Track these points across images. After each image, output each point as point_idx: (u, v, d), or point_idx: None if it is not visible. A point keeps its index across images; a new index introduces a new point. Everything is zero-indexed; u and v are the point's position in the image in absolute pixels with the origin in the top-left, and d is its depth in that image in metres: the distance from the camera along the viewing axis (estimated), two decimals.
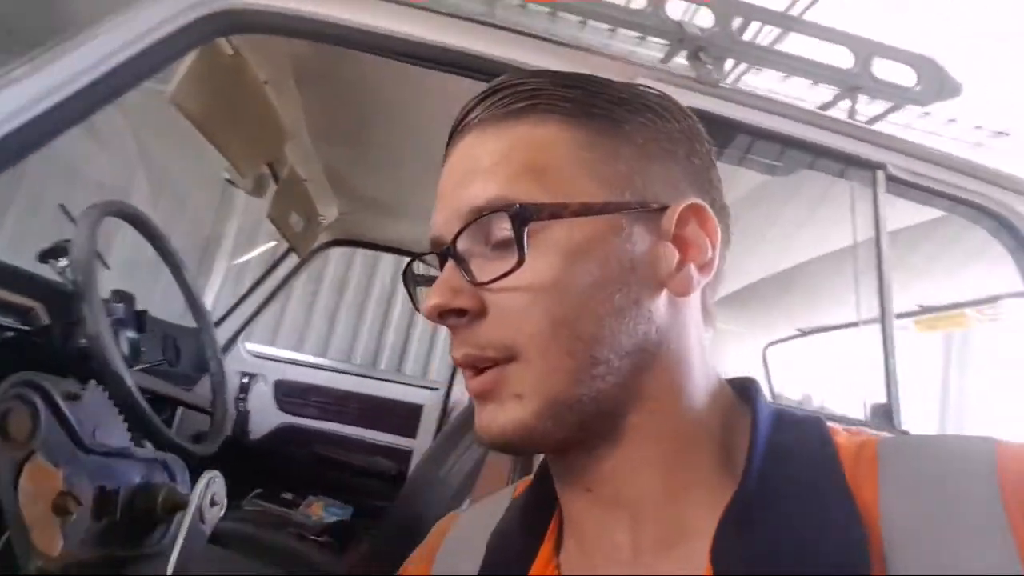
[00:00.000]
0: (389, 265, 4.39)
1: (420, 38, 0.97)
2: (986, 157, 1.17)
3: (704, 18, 1.26)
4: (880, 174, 1.20)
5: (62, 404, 0.64)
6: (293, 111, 1.48)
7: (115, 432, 0.72)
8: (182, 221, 3.83)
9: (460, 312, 0.39)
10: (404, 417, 2.33)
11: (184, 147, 3.76)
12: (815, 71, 1.38)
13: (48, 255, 1.22)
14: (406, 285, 0.47)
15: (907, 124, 3.23)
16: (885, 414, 1.65)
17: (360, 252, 4.25)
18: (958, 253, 2.07)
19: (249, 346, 2.36)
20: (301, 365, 2.49)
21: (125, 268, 1.81)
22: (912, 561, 0.32)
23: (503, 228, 0.38)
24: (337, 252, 3.70)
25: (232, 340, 2.20)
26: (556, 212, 0.38)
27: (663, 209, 0.40)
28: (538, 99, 0.40)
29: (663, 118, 0.42)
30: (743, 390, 0.43)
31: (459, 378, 2.41)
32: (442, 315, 0.39)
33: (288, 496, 2.07)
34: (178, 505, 0.68)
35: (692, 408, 0.40)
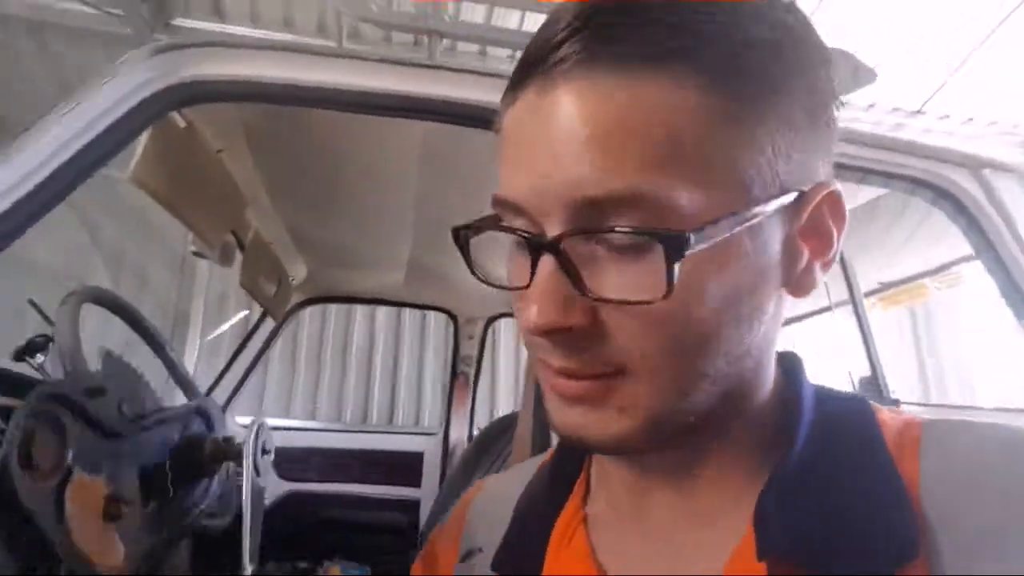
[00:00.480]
0: (364, 317, 4.38)
1: (363, 86, 1.00)
2: (908, 136, 1.24)
3: None
4: None
5: (88, 406, 0.62)
6: (250, 176, 1.50)
7: (141, 396, 0.69)
8: (145, 303, 3.77)
9: (571, 330, 0.33)
10: (405, 467, 2.31)
11: (137, 229, 3.76)
12: None
13: (24, 352, 1.21)
14: (459, 248, 0.39)
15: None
16: (873, 385, 1.69)
17: (332, 308, 4.24)
18: (905, 227, 2.15)
19: (238, 419, 2.32)
20: (293, 430, 2.46)
21: (93, 356, 1.78)
22: (951, 543, 0.31)
23: (632, 230, 0.31)
24: (310, 312, 3.68)
25: (224, 409, 2.17)
26: (711, 234, 0.31)
27: (800, 197, 0.34)
28: (678, 38, 0.31)
29: (813, 67, 0.34)
30: (785, 365, 0.42)
31: (455, 420, 2.41)
32: (554, 333, 0.33)
33: (303, 565, 2.03)
34: (225, 454, 0.66)
35: (762, 394, 0.38)
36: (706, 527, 0.37)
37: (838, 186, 0.36)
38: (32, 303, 1.28)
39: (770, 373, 0.39)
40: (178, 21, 3.03)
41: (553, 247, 0.32)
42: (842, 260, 1.16)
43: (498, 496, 0.50)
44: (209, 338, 3.40)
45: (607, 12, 0.31)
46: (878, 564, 0.31)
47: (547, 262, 0.33)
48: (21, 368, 1.18)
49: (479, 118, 0.99)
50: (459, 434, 2.36)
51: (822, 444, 0.37)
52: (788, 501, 0.34)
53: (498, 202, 0.35)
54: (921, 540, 0.31)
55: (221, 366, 2.28)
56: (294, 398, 4.20)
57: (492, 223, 0.37)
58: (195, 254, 1.49)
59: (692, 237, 0.30)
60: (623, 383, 0.34)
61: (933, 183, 1.10)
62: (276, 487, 2.16)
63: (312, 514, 2.14)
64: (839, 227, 0.36)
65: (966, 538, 0.31)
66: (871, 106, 3.65)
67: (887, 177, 1.15)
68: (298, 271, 2.19)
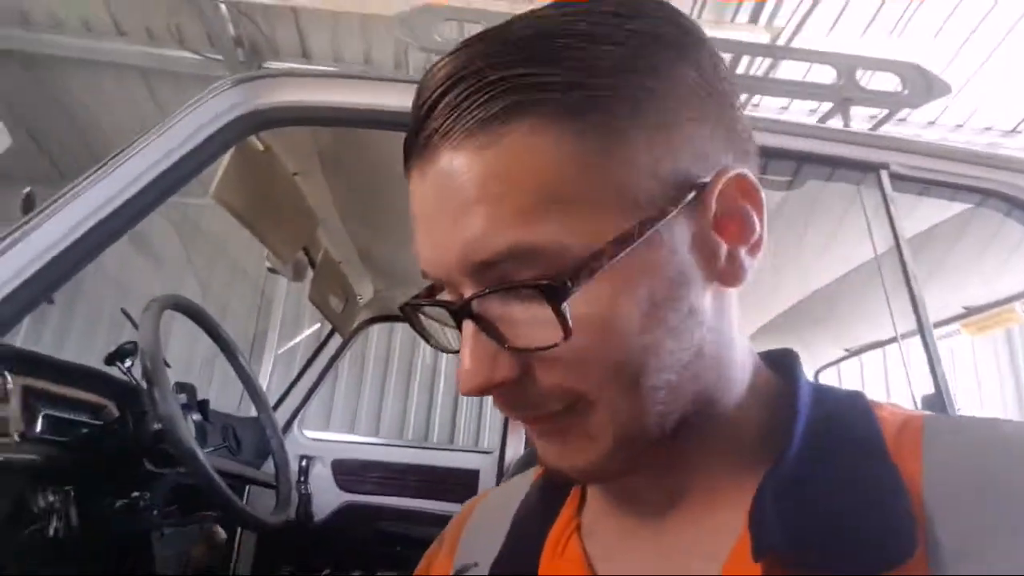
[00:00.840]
0: None
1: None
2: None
3: None
4: (884, 174, 1.24)
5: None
6: (322, 197, 1.59)
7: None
8: (227, 320, 4.01)
9: (501, 385, 0.34)
10: (462, 484, 2.33)
11: (223, 253, 4.02)
12: (804, 91, 1.45)
13: (114, 357, 1.33)
14: (411, 324, 0.41)
15: (915, 136, 3.28)
16: (937, 403, 1.61)
17: (400, 327, 4.36)
18: (994, 249, 2.04)
19: (307, 432, 2.42)
20: (355, 444, 2.54)
21: (180, 365, 1.92)
22: (953, 541, 0.31)
23: (536, 272, 0.32)
24: (377, 330, 3.81)
25: (288, 424, 2.27)
26: (594, 267, 0.31)
27: (700, 191, 0.33)
28: (519, 92, 0.31)
29: (683, 62, 0.34)
30: (782, 364, 0.41)
31: (511, 439, 2.42)
32: (485, 391, 0.34)
33: (357, 574, 2.08)
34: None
35: (736, 393, 0.38)
36: (702, 529, 0.37)
37: (743, 168, 0.34)
38: (124, 312, 1.40)
39: (739, 370, 0.38)
40: (269, 64, 3.28)
41: (466, 311, 0.33)
42: (905, 276, 1.13)
43: (493, 510, 0.49)
44: (281, 351, 3.57)
45: (458, 81, 0.32)
46: (874, 563, 0.31)
47: (468, 325, 0.33)
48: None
49: None
50: (515, 452, 2.37)
51: (818, 442, 0.36)
52: (784, 500, 0.34)
53: (424, 275, 0.37)
54: (922, 538, 0.31)
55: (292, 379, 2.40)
56: (359, 414, 4.33)
57: (427, 296, 0.39)
58: (270, 270, 1.59)
59: (569, 283, 0.30)
60: (582, 413, 0.34)
61: (1004, 192, 1.06)
62: (335, 497, 2.22)
63: (368, 526, 2.19)
64: (756, 208, 0.35)
65: (969, 536, 0.31)
66: (959, 126, 3.51)
67: (957, 189, 1.12)
68: (365, 290, 2.29)
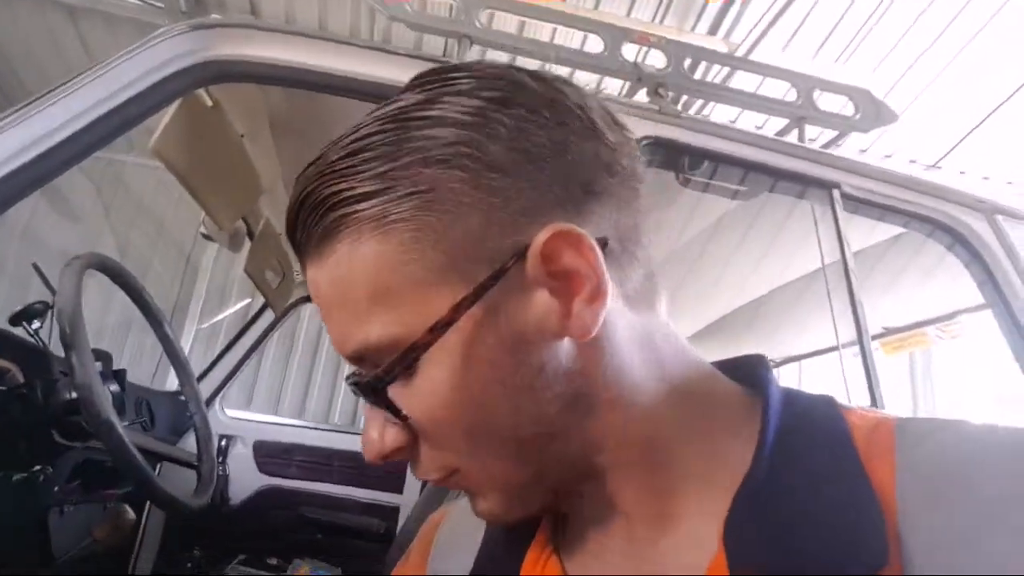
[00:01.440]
0: None
1: (388, 79, 1.01)
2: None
3: (656, 58, 1.35)
4: (836, 192, 1.27)
5: None
6: (269, 164, 1.51)
7: None
8: (148, 286, 3.79)
9: (397, 454, 0.37)
10: (389, 473, 2.28)
11: (146, 213, 3.79)
12: (764, 104, 1.48)
13: (20, 317, 1.21)
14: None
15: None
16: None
17: None
18: (917, 270, 2.16)
19: (228, 411, 2.31)
20: (278, 425, 2.43)
21: (90, 331, 1.78)
22: (928, 545, 0.31)
23: (388, 359, 0.34)
24: (310, 309, 3.68)
25: (209, 401, 2.15)
26: (413, 355, 0.34)
27: (519, 258, 0.34)
28: (340, 208, 0.34)
29: (471, 143, 0.34)
30: (747, 372, 0.41)
31: None
32: (383, 457, 0.37)
33: (273, 561, 1.99)
34: None
35: (660, 414, 0.37)
36: (679, 546, 0.37)
37: (563, 223, 0.34)
38: (36, 268, 1.27)
39: (657, 392, 0.38)
40: (214, 17, 3.09)
41: (353, 387, 0.37)
42: (849, 291, 1.16)
43: (462, 527, 0.48)
44: (205, 326, 3.39)
45: (305, 198, 0.35)
46: (846, 572, 0.31)
47: (365, 401, 0.37)
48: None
49: None
50: None
51: (788, 452, 0.36)
52: (755, 514, 0.34)
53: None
54: (893, 545, 0.31)
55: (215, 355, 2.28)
56: (283, 396, 4.18)
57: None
58: (204, 236, 1.49)
59: (385, 377, 0.34)
60: (465, 476, 0.38)
61: (949, 226, 1.11)
62: (255, 480, 2.13)
63: (288, 511, 2.10)
64: (586, 256, 0.34)
65: (942, 538, 0.31)
66: (888, 156, 3.70)
67: (907, 216, 1.16)
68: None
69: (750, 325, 2.78)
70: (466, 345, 0.34)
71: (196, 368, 2.20)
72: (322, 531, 2.10)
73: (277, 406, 4.11)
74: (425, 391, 0.35)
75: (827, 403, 0.39)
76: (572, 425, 0.36)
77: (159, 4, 2.97)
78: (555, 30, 2.50)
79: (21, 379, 1.14)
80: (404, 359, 0.34)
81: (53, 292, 1.10)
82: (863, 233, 1.71)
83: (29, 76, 3.54)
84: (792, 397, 0.39)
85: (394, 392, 0.35)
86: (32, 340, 1.19)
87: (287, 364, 4.22)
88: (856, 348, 1.63)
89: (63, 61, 3.43)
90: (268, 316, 2.28)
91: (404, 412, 0.35)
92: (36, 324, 1.22)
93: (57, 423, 1.03)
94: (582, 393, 0.36)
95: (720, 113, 3.14)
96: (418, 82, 0.37)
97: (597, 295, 0.34)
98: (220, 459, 2.16)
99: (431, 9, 1.45)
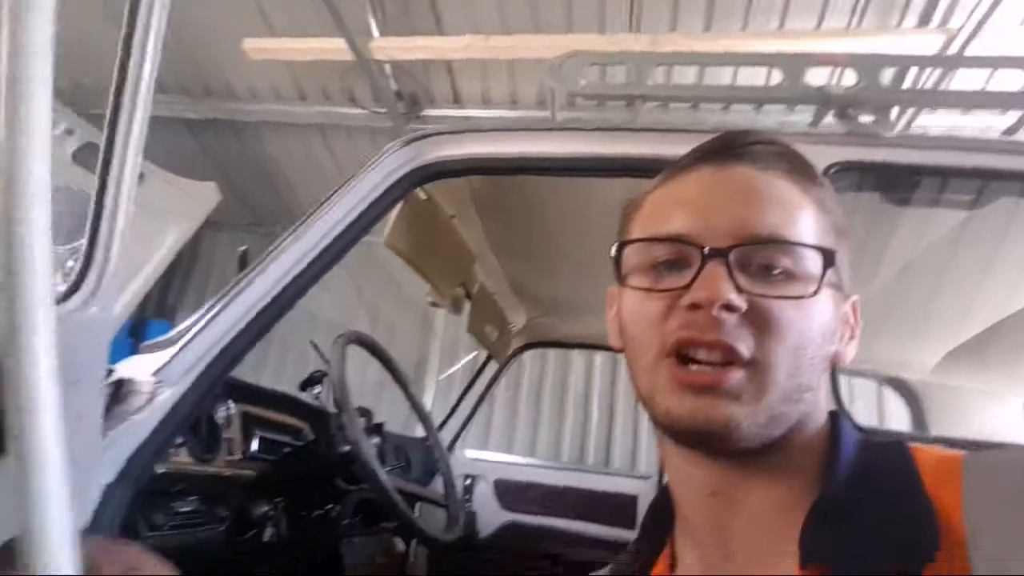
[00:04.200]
0: (580, 362, 4.53)
1: (575, 153, 1.13)
2: None
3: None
4: None
5: None
6: (477, 236, 1.72)
7: None
8: (394, 347, 4.37)
9: (736, 310, 0.44)
10: (620, 508, 2.34)
11: (388, 287, 4.39)
12: (988, 100, 1.33)
13: (307, 384, 1.53)
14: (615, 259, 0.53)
15: None
16: None
17: (552, 353, 4.46)
18: None
19: (467, 452, 2.57)
20: (515, 465, 2.64)
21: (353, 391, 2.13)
22: (995, 555, 0.35)
23: (789, 262, 0.45)
24: (531, 356, 3.92)
25: (451, 445, 2.43)
26: (840, 272, 0.48)
27: (844, 297, 0.50)
28: (806, 174, 0.49)
29: (840, 212, 0.51)
30: (832, 414, 0.51)
31: None
32: (727, 307, 0.44)
33: None
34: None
35: (810, 439, 0.48)
36: (765, 555, 0.45)
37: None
38: (313, 345, 1.60)
39: (818, 422, 0.49)
40: (426, 111, 3.59)
41: (723, 254, 0.44)
42: None
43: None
44: (442, 378, 3.80)
45: (743, 135, 0.51)
46: (899, 562, 0.38)
47: (715, 265, 0.44)
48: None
49: None
50: None
51: (859, 476, 0.45)
52: (827, 523, 0.43)
53: (660, 237, 0.49)
54: (962, 564, 0.36)
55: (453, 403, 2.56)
56: (515, 436, 4.47)
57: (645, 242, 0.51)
58: (431, 304, 1.74)
59: (838, 264, 0.46)
60: (753, 374, 0.44)
61: None
62: (498, 515, 2.33)
63: (530, 545, 2.26)
64: (857, 327, 0.52)
65: (1007, 550, 0.35)
66: None
67: None
68: (518, 318, 2.40)
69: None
70: (834, 301, 0.48)
71: (438, 417, 2.51)
72: (562, 566, 2.23)
73: (510, 447, 4.40)
74: (818, 301, 0.45)
75: (897, 442, 0.47)
76: (809, 400, 0.46)
77: (382, 110, 3.52)
78: (735, 72, 2.46)
79: (311, 436, 1.44)
80: (842, 267, 0.47)
81: (327, 362, 1.38)
82: None
83: (300, 187, 4.40)
84: (866, 439, 0.48)
85: (767, 284, 0.45)
86: (316, 403, 1.50)
87: (515, 407, 4.51)
88: None
89: (318, 171, 4.20)
90: (494, 366, 2.52)
91: (813, 295, 0.45)
92: (317, 389, 1.53)
93: (338, 470, 1.29)
94: (814, 387, 0.47)
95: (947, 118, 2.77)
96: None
97: (854, 349, 0.51)
98: (467, 496, 2.40)
99: (603, 79, 1.56)
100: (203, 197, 2.10)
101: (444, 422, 2.48)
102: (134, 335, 4.60)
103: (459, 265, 1.72)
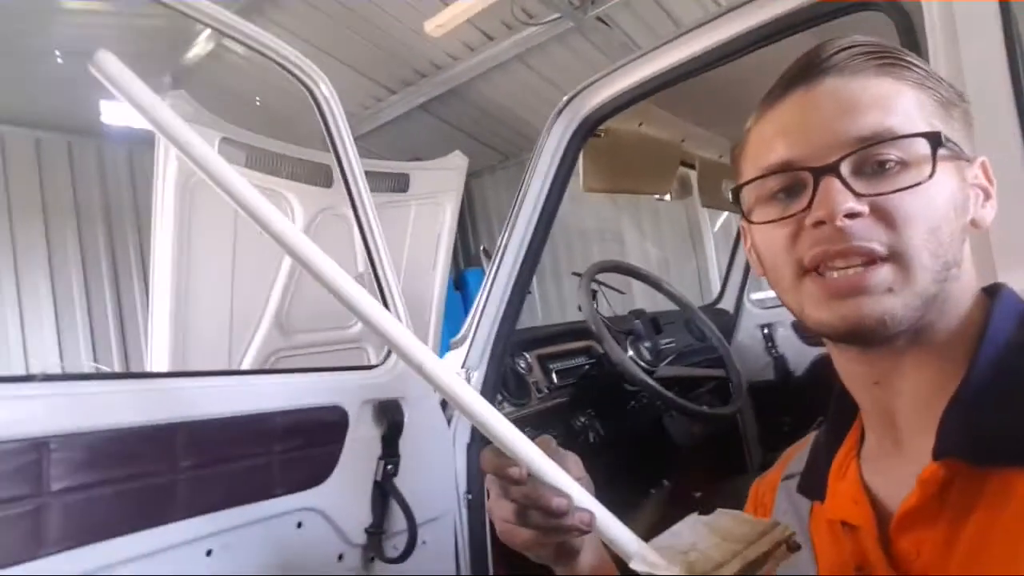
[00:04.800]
0: None
1: (727, 38, 1.09)
2: None
3: None
4: None
5: None
6: (674, 123, 1.76)
7: None
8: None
9: (859, 215, 0.45)
10: None
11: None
12: None
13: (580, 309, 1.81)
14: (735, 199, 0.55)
15: None
16: None
17: None
18: None
19: (754, 296, 2.58)
20: None
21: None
22: None
23: (899, 152, 0.45)
24: None
25: (739, 301, 2.52)
26: (950, 147, 0.46)
27: (968, 162, 0.49)
28: (896, 63, 0.48)
29: (945, 84, 0.50)
30: (993, 293, 0.50)
31: None
32: (849, 216, 0.45)
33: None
34: None
35: (960, 314, 0.48)
36: (922, 446, 0.46)
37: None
38: (576, 274, 1.87)
39: (967, 294, 0.48)
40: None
41: (833, 168, 0.46)
42: None
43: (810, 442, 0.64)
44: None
45: (852, 47, 0.49)
46: None
47: (828, 181, 0.46)
48: None
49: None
50: None
51: (1012, 357, 0.45)
52: (964, 414, 0.44)
53: (769, 166, 0.50)
54: None
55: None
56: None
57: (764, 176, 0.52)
58: (659, 200, 1.85)
59: (947, 140, 0.46)
60: (894, 268, 0.45)
61: None
62: (806, 354, 2.36)
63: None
64: (992, 184, 0.51)
65: None
66: None
67: None
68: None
69: None
70: (954, 174, 0.47)
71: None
72: None
73: None
74: (935, 182, 0.45)
75: None
76: (954, 275, 0.47)
77: (557, 16, 3.56)
78: None
79: (601, 350, 1.73)
80: (951, 143, 0.46)
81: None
82: None
83: (524, 115, 4.74)
84: None
85: (888, 182, 0.45)
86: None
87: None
88: None
89: (531, 92, 4.45)
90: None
91: (929, 178, 0.45)
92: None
93: (621, 377, 1.56)
94: (959, 260, 0.47)
95: None
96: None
97: (992, 209, 0.52)
98: (771, 344, 2.48)
99: None
100: (455, 166, 2.47)
101: (724, 283, 2.57)
102: (458, 287, 5.55)
103: (666, 160, 1.80)
